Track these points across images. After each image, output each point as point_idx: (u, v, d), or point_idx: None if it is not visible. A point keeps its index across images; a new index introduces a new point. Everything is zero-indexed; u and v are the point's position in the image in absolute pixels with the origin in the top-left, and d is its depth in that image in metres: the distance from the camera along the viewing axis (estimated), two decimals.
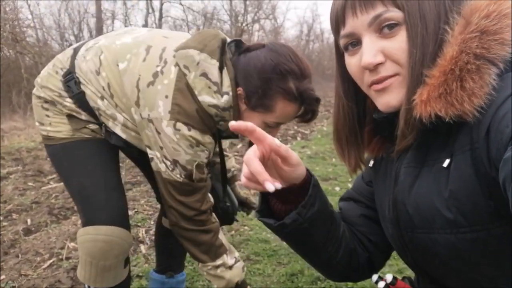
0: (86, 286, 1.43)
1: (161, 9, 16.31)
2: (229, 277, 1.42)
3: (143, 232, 2.68)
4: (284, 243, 0.89)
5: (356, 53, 0.76)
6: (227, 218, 1.76)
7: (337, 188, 3.55)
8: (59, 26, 14.26)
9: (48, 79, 1.39)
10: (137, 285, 2.01)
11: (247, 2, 17.39)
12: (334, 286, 1.89)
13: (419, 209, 0.75)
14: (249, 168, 0.66)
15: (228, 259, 1.43)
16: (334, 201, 3.62)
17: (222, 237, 1.45)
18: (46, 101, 1.39)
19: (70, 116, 1.38)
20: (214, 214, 1.46)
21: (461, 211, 0.68)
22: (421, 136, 0.74)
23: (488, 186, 0.64)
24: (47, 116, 1.39)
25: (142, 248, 2.47)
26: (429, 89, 0.67)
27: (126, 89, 1.31)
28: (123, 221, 1.37)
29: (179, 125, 1.26)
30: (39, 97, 1.40)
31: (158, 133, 1.28)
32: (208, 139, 1.32)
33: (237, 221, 1.92)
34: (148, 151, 1.34)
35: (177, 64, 1.28)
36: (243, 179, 0.69)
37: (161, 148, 1.29)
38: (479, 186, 0.65)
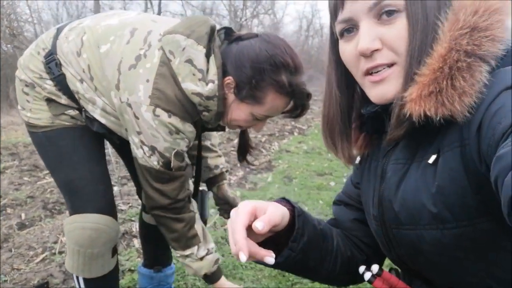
0: (75, 276, 1.43)
1: (159, 4, 16.21)
2: (195, 267, 1.43)
3: (137, 227, 2.67)
4: None
5: (352, 40, 0.73)
6: None
7: (332, 183, 3.55)
8: (57, 21, 14.23)
9: (30, 60, 1.35)
10: (129, 279, 2.01)
11: None
12: None
13: (405, 206, 0.74)
14: (233, 236, 0.66)
15: (199, 251, 1.42)
16: (329, 196, 3.60)
17: (199, 228, 1.42)
18: (26, 85, 1.35)
19: (49, 100, 1.34)
20: (193, 203, 1.43)
21: (448, 206, 0.67)
22: (411, 133, 0.73)
23: (476, 182, 0.64)
24: (27, 101, 1.36)
25: (135, 242, 2.47)
26: (418, 88, 0.65)
27: (106, 72, 1.27)
28: (110, 210, 1.38)
29: (159, 111, 1.22)
30: (20, 80, 1.37)
31: (137, 118, 1.24)
32: (189, 127, 1.29)
33: None
34: (128, 136, 1.31)
35: (161, 48, 1.24)
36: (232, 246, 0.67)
37: (139, 133, 1.26)
38: (467, 183, 0.65)
